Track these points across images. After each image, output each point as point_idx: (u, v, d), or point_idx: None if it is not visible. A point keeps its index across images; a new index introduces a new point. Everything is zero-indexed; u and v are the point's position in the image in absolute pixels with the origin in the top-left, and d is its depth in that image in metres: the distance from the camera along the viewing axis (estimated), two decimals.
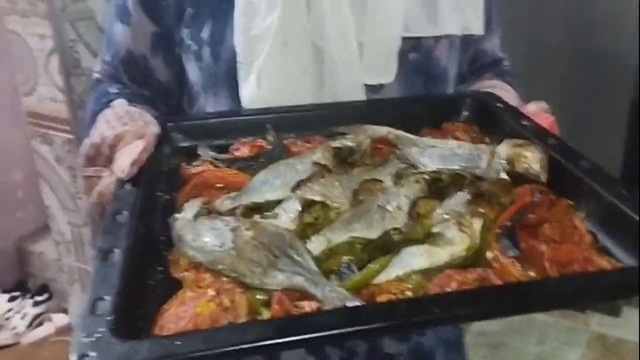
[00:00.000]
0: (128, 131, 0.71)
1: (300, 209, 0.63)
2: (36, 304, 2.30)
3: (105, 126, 0.73)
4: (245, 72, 0.82)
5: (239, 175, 0.74)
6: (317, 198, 0.66)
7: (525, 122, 0.79)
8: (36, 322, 2.25)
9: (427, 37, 0.86)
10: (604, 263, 0.55)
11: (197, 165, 0.78)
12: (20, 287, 2.40)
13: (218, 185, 0.73)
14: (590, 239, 0.59)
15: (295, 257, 0.56)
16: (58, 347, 2.11)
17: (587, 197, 0.64)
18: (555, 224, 0.60)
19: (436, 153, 0.77)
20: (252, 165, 0.76)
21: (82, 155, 0.72)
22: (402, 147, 0.80)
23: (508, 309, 0.48)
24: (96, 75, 0.93)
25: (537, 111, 0.81)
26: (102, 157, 0.71)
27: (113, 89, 0.87)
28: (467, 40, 0.91)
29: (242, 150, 0.81)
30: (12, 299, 2.30)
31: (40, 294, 2.34)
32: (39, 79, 1.37)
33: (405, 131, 0.84)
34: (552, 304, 0.50)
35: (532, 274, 0.54)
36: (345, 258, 0.59)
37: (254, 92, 0.82)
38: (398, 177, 0.73)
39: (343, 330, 0.45)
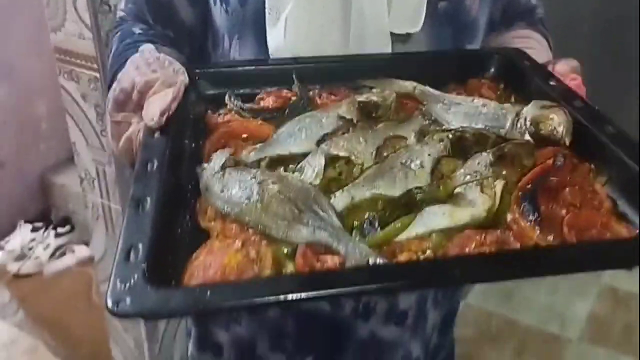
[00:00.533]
0: (158, 78, 0.72)
1: (324, 163, 0.65)
2: (58, 235, 2.36)
3: (134, 72, 0.74)
4: (272, 19, 0.82)
5: (265, 126, 0.75)
6: (342, 153, 0.67)
7: (552, 83, 0.79)
8: (58, 252, 2.32)
9: None
10: (622, 230, 0.56)
11: (224, 114, 0.79)
12: (43, 218, 2.45)
13: (244, 135, 0.75)
14: (610, 205, 0.60)
15: (320, 212, 0.58)
16: (79, 277, 2.18)
17: (609, 163, 0.65)
18: (575, 189, 0.61)
19: (461, 111, 0.77)
20: (278, 116, 0.77)
21: (111, 99, 0.73)
22: (428, 103, 0.80)
23: (523, 273, 0.49)
24: (121, 13, 0.92)
25: (566, 71, 0.80)
26: (131, 103, 0.72)
27: (137, 29, 0.87)
28: None
29: (268, 100, 0.82)
30: (35, 229, 2.35)
31: (62, 226, 2.40)
32: (67, 15, 1.37)
33: (432, 86, 0.85)
34: (568, 269, 0.51)
35: (550, 238, 0.55)
36: (368, 214, 0.60)
37: (281, 40, 0.82)
38: (422, 134, 0.74)
39: (365, 287, 0.47)
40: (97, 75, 1.38)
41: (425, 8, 0.83)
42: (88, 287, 2.09)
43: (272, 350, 0.96)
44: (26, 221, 2.37)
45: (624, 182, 0.63)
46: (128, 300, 0.45)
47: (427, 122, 0.77)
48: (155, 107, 0.68)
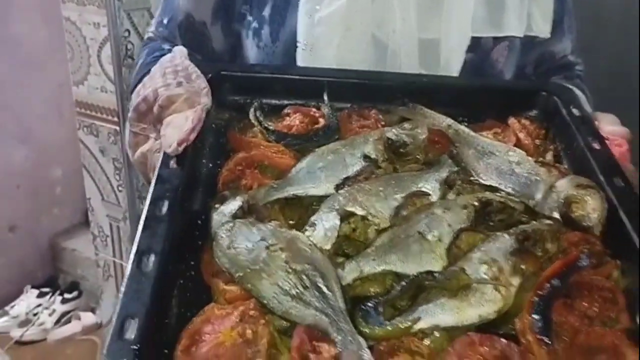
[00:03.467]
0: (182, 95, 0.69)
1: (338, 226, 0.62)
2: (65, 301, 2.28)
3: (160, 80, 0.70)
4: (305, 55, 0.80)
5: (286, 156, 0.72)
6: (359, 212, 0.64)
7: (597, 146, 0.73)
8: (64, 319, 2.24)
9: (486, 38, 0.83)
10: (631, 356, 0.54)
11: (246, 131, 0.76)
12: (51, 283, 2.38)
13: (264, 162, 0.72)
14: (627, 319, 0.58)
15: (325, 290, 0.56)
16: (84, 345, 2.10)
17: (634, 264, 0.61)
18: (593, 297, 0.58)
19: (493, 164, 0.73)
20: (303, 143, 0.74)
21: (133, 107, 0.71)
22: (460, 146, 0.76)
23: None
24: (149, 34, 0.92)
25: (613, 133, 0.75)
26: (151, 115, 0.70)
27: (166, 45, 0.86)
28: (531, 42, 0.86)
29: (294, 118, 0.78)
30: (41, 295, 2.28)
31: (69, 292, 2.32)
32: (90, 69, 1.34)
33: (469, 117, 0.80)
34: None
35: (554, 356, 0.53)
36: (375, 296, 0.58)
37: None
38: (448, 185, 0.71)
39: None
40: (117, 128, 1.37)
41: (460, 60, 0.82)
42: (92, 355, 2.04)
43: None
44: (33, 286, 2.30)
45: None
46: None
47: (455, 168, 0.73)
48: (174, 135, 0.65)
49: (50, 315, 2.22)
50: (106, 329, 1.68)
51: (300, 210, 0.67)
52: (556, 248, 0.63)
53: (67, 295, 2.30)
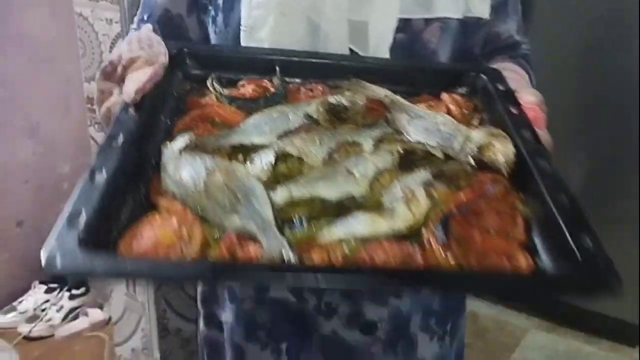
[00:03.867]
0: (141, 56, 0.78)
1: (273, 162, 0.70)
2: (72, 297, 2.30)
3: (126, 46, 0.80)
4: (247, 37, 0.90)
5: (237, 114, 0.81)
6: (294, 152, 0.72)
7: (514, 110, 0.83)
8: (71, 315, 2.26)
9: (417, 19, 0.90)
10: (523, 261, 0.61)
11: (204, 97, 0.85)
12: (59, 279, 2.37)
13: (215, 119, 0.81)
14: (524, 237, 0.65)
15: (255, 205, 0.64)
16: (92, 342, 2.13)
17: (536, 198, 0.69)
18: (495, 216, 0.66)
19: (422, 125, 0.82)
20: (253, 105, 0.83)
21: (101, 69, 0.80)
22: (394, 112, 0.85)
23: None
24: (133, 27, 1.03)
25: (528, 101, 0.84)
26: (115, 75, 0.79)
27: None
28: (476, 24, 0.94)
29: (248, 87, 0.88)
30: (49, 291, 2.29)
31: (77, 288, 2.33)
32: (103, 65, 1.44)
33: (405, 94, 0.89)
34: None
35: (452, 262, 0.60)
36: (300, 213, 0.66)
37: None
38: (380, 141, 0.79)
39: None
40: None
41: (389, 42, 0.89)
42: (100, 352, 2.07)
43: (249, 337, 1.05)
44: (41, 282, 2.31)
45: (544, 219, 0.67)
46: (58, 258, 0.52)
47: (389, 130, 0.82)
48: (132, 85, 0.74)
49: (58, 311, 2.24)
50: (117, 326, 1.70)
51: (244, 156, 0.75)
52: (467, 186, 0.71)
53: (75, 292, 2.30)
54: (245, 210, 0.63)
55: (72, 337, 2.15)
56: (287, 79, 0.89)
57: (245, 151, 0.76)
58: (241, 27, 0.90)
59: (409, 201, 0.66)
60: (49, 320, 2.21)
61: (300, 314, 1.00)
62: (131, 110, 0.74)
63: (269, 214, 0.64)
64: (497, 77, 0.91)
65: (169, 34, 0.97)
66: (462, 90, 0.92)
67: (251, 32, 0.89)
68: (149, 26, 0.85)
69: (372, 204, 0.67)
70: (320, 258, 0.59)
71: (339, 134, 0.78)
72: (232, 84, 0.89)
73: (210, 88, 0.86)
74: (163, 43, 0.82)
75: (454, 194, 0.70)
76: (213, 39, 0.97)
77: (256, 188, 0.66)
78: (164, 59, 0.79)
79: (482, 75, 0.91)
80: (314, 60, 0.91)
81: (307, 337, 1.01)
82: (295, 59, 0.91)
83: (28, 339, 2.13)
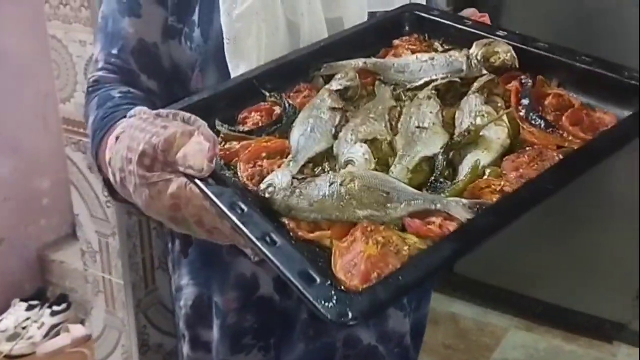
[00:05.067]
0: (176, 132, 0.75)
1: (368, 148, 0.75)
2: (54, 313, 2.27)
3: (143, 134, 0.75)
4: (231, 48, 0.92)
5: (277, 141, 0.83)
6: (370, 137, 0.77)
7: (467, 22, 0.95)
8: (53, 332, 2.23)
9: (380, 12, 1.00)
10: (604, 115, 0.75)
11: (224, 144, 0.84)
12: (39, 295, 2.34)
13: (263, 154, 0.81)
14: (576, 100, 0.79)
15: (399, 187, 0.69)
16: (74, 358, 2.11)
17: (553, 69, 0.83)
18: (550, 98, 0.79)
19: (415, 69, 0.91)
20: (279, 127, 0.85)
21: (136, 165, 0.75)
22: (382, 72, 0.93)
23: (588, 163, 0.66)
24: (96, 75, 0.96)
25: (470, 13, 0.98)
26: (158, 162, 0.75)
27: (116, 93, 0.90)
28: None
29: (254, 116, 0.88)
30: (30, 308, 2.26)
31: (58, 304, 2.30)
32: (77, 86, 1.30)
33: (366, 56, 0.97)
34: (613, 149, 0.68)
35: (565, 135, 0.72)
36: (423, 176, 0.72)
37: (240, 65, 0.91)
38: (398, 99, 0.87)
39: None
40: None
41: None
42: None
43: (233, 349, 1.08)
44: (21, 299, 2.28)
45: (571, 78, 0.82)
46: (349, 312, 0.54)
47: (391, 87, 0.90)
48: (199, 158, 0.72)
49: (39, 328, 2.22)
50: (98, 342, 1.61)
51: (321, 167, 0.78)
52: (502, 89, 0.83)
53: (55, 308, 2.29)
54: (399, 195, 0.68)
55: (54, 353, 2.16)
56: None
57: (316, 164, 0.78)
58: (224, 40, 0.90)
59: (494, 119, 0.76)
60: (30, 337, 2.20)
61: (284, 308, 1.07)
62: (211, 181, 0.72)
63: (414, 190, 0.69)
64: (424, 7, 1.03)
65: (145, 65, 0.96)
66: (406, 29, 1.02)
67: (235, 44, 0.91)
68: (143, 108, 0.81)
69: (472, 136, 0.75)
70: (493, 194, 0.67)
71: (372, 107, 0.85)
72: (229, 123, 0.89)
73: (227, 132, 0.85)
74: (178, 111, 0.79)
75: (503, 101, 0.81)
76: (185, 56, 0.96)
77: (385, 176, 0.71)
78: (200, 121, 0.77)
79: (416, 12, 1.02)
80: (281, 66, 0.94)
81: (292, 327, 1.09)
82: (267, 69, 0.93)
83: (9, 357, 2.12)
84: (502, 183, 0.67)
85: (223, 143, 0.84)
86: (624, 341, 2.42)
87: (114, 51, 0.96)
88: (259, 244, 0.62)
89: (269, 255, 0.61)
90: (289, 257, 0.60)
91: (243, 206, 0.68)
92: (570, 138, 0.72)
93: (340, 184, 0.69)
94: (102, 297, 1.53)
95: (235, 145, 0.83)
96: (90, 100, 0.94)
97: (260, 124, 0.87)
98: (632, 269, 2.24)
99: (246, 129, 0.86)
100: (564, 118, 0.75)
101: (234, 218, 0.66)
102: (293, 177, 0.74)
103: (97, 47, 0.98)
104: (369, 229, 0.65)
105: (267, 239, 0.63)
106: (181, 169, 0.74)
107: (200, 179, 0.72)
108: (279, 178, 0.73)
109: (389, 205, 0.67)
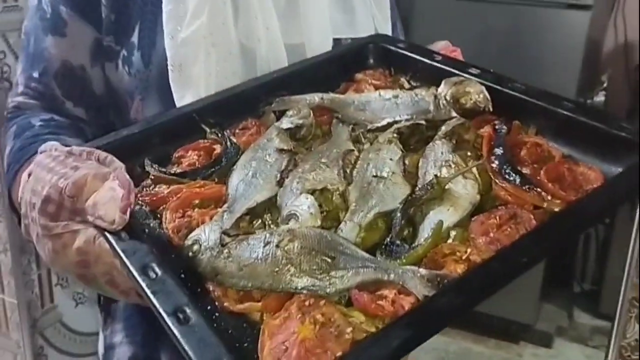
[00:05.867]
0: (87, 175, 0.64)
1: (315, 202, 0.64)
2: None
3: (50, 176, 0.64)
4: (176, 76, 0.80)
5: (212, 186, 0.71)
6: (319, 187, 0.66)
7: (437, 57, 0.85)
8: None
9: (345, 39, 0.91)
10: (588, 171, 0.65)
11: (153, 188, 0.73)
12: None
13: (195, 201, 0.70)
14: (557, 152, 0.69)
15: (347, 251, 0.58)
16: None
17: (530, 115, 0.73)
18: (527, 148, 0.69)
19: (377, 107, 0.81)
20: (217, 170, 0.73)
21: (39, 213, 0.63)
22: (341, 110, 0.82)
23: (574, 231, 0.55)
24: (16, 100, 0.84)
25: (443, 47, 0.88)
26: (65, 210, 0.63)
27: (36, 121, 0.79)
28: None
29: (189, 156, 0.77)
30: None
31: None
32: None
33: (324, 90, 0.87)
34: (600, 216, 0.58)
35: (545, 195, 0.62)
36: (377, 240, 0.61)
37: (187, 95, 0.80)
38: (357, 142, 0.76)
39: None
40: None
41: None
42: None
43: None
44: None
45: (552, 126, 0.72)
46: None
47: (350, 127, 0.79)
48: (111, 208, 0.60)
49: None
50: None
51: (262, 220, 0.67)
52: (473, 136, 0.73)
53: None
54: (346, 262, 0.57)
55: None
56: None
57: (257, 215, 0.67)
58: (169, 67, 0.79)
59: (463, 172, 0.66)
60: None
61: None
62: (125, 235, 0.60)
63: (364, 254, 0.58)
64: (395, 39, 0.93)
65: (70, 90, 0.84)
66: (369, 63, 0.92)
67: (181, 71, 0.79)
68: (54, 144, 0.69)
69: (437, 191, 0.64)
70: (458, 263, 0.56)
71: (324, 151, 0.74)
72: (162, 162, 0.77)
73: (157, 174, 0.73)
74: (93, 149, 0.68)
75: (473, 149, 0.71)
76: (124, 83, 0.84)
77: (331, 236, 0.59)
78: (117, 163, 0.65)
79: (381, 43, 0.92)
80: (228, 98, 0.83)
81: None
82: (210, 102, 0.82)
83: None
84: (469, 251, 0.57)
85: (152, 186, 0.73)
86: (529, 341, 2.53)
87: (35, 74, 0.84)
88: (168, 320, 0.50)
89: (178, 336, 0.49)
90: (202, 340, 0.49)
91: (157, 270, 0.56)
92: (549, 197, 0.61)
93: (277, 245, 0.58)
94: None
95: (165, 189, 0.71)
96: (8, 129, 0.82)
97: (197, 165, 0.75)
98: (536, 271, 2.26)
99: (179, 170, 0.74)
100: (542, 173, 0.64)
101: (143, 285, 0.54)
102: (224, 233, 0.62)
103: (19, 69, 0.87)
104: (306, 303, 0.54)
105: (180, 314, 0.51)
106: (90, 219, 0.62)
107: (112, 233, 0.61)
108: (205, 234, 0.61)
109: (333, 273, 0.56)
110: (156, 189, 0.72)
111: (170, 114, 0.81)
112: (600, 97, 2.08)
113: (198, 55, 0.79)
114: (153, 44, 0.81)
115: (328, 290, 0.55)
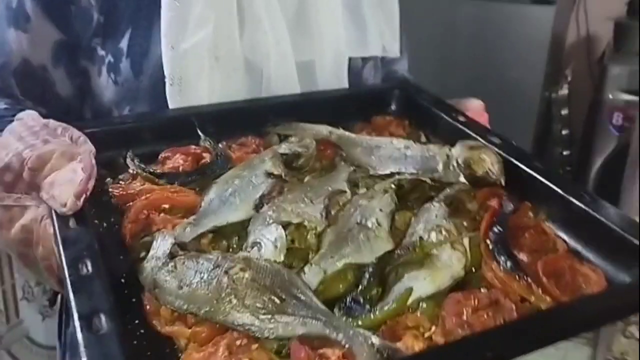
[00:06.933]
0: (54, 150, 0.59)
1: (285, 235, 0.58)
2: None
3: (19, 144, 0.60)
4: (175, 90, 0.74)
5: (187, 194, 0.66)
6: (295, 220, 0.61)
7: (461, 118, 0.80)
8: None
9: (355, 58, 0.86)
10: (589, 272, 0.58)
11: (129, 182, 0.68)
12: None
13: (164, 206, 0.65)
14: (562, 244, 0.62)
15: (301, 296, 0.52)
16: None
17: (545, 199, 0.67)
18: (532, 233, 0.62)
19: (385, 154, 0.75)
20: (197, 179, 0.69)
21: None
22: (346, 148, 0.77)
23: (556, 336, 0.48)
24: None
25: (478, 106, 0.83)
26: (22, 182, 0.59)
27: (1, 104, 0.73)
28: (383, 62, 0.92)
29: (175, 159, 0.73)
30: None
31: None
32: None
33: (337, 126, 0.82)
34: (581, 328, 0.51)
35: (535, 289, 0.55)
36: (340, 291, 0.55)
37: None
38: (354, 184, 0.71)
39: None
40: None
41: (343, 81, 0.84)
42: None
43: None
44: None
45: (564, 216, 0.65)
46: None
47: (352, 168, 0.73)
48: (66, 190, 0.56)
49: None
50: None
51: (227, 241, 0.62)
52: (476, 206, 0.67)
53: None
54: (295, 308, 0.50)
55: None
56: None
57: (225, 236, 0.62)
58: (167, 80, 0.73)
59: (452, 241, 0.59)
60: None
61: None
62: (72, 223, 0.56)
63: (321, 305, 0.52)
64: (420, 90, 0.88)
65: (30, 90, 0.77)
66: (390, 109, 0.87)
67: (181, 86, 0.73)
68: (32, 113, 0.65)
69: (417, 255, 0.58)
70: (417, 340, 0.49)
71: (315, 186, 0.68)
72: (149, 159, 0.73)
73: (135, 168, 0.69)
74: (71, 127, 0.63)
75: (470, 219, 0.64)
76: (110, 92, 0.77)
77: (289, 276, 0.53)
78: (88, 146, 0.61)
79: (405, 90, 0.88)
80: (234, 110, 0.79)
81: None
82: (214, 111, 0.78)
83: None
84: (433, 329, 0.50)
85: (128, 181, 0.68)
86: None
87: None
88: (77, 323, 0.45)
89: (81, 343, 0.43)
90: (106, 356, 0.43)
91: (90, 267, 0.50)
92: (539, 292, 0.54)
93: (226, 272, 0.52)
94: None
95: (138, 187, 0.67)
96: None
97: (180, 170, 0.71)
98: None
99: (158, 171, 0.69)
100: (540, 263, 0.58)
101: (67, 278, 0.49)
102: (180, 246, 0.57)
103: None
104: (238, 342, 0.48)
105: (95, 320, 0.45)
106: (44, 196, 0.57)
107: (60, 217, 0.56)
108: (157, 242, 0.56)
109: (277, 317, 0.50)
110: (131, 184, 0.68)
111: (170, 112, 0.76)
112: (564, 91, 2.10)
113: (202, 69, 0.74)
114: (145, 52, 0.74)
115: (266, 333, 0.49)
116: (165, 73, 0.72)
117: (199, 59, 0.73)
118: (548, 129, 2.24)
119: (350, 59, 0.85)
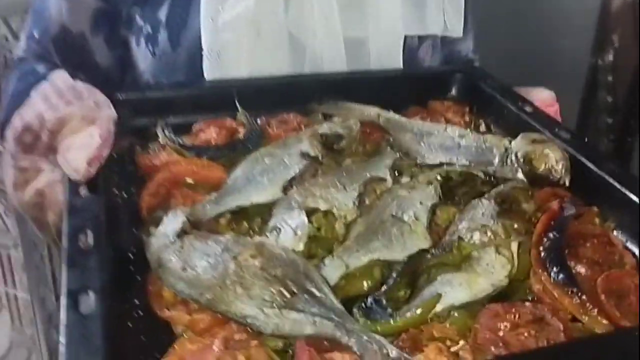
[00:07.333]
0: (74, 114, 0.56)
1: (307, 222, 0.52)
2: None
3: (42, 105, 0.58)
4: (213, 65, 0.70)
5: (214, 168, 0.62)
6: (322, 207, 0.55)
7: (528, 109, 0.71)
8: None
9: (412, 37, 0.80)
10: None
11: (157, 153, 0.64)
12: None
13: (189, 180, 0.61)
14: (631, 259, 0.54)
15: (316, 292, 0.46)
16: None
17: (617, 205, 0.58)
18: (595, 243, 0.54)
19: (436, 142, 0.68)
20: (227, 153, 0.64)
21: (13, 139, 0.57)
22: (395, 133, 0.70)
23: None
24: (19, 53, 0.76)
25: (548, 97, 0.74)
26: (40, 144, 0.57)
27: (40, 67, 0.71)
28: (444, 41, 0.85)
29: (209, 131, 0.68)
30: None
31: None
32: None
33: (389, 108, 0.75)
34: None
35: (590, 308, 0.47)
36: (364, 288, 0.49)
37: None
38: (397, 171, 0.64)
39: None
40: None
41: (398, 60, 0.78)
42: None
43: None
44: None
45: (637, 227, 0.56)
46: None
47: (398, 155, 0.67)
48: (80, 155, 0.53)
49: None
50: None
51: (248, 223, 0.56)
52: (533, 207, 0.59)
53: None
54: (306, 305, 0.45)
55: None
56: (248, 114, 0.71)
57: (247, 216, 0.57)
58: (204, 54, 0.69)
59: (497, 245, 0.52)
60: None
61: None
62: (84, 191, 0.52)
63: (336, 303, 0.46)
64: (485, 75, 0.80)
65: (69, 58, 0.75)
66: (450, 94, 0.80)
67: (219, 59, 0.69)
68: (63, 73, 0.62)
69: (453, 260, 0.51)
70: (440, 354, 0.42)
71: (352, 171, 0.62)
72: (183, 129, 0.69)
73: (165, 139, 0.65)
74: (97, 90, 0.60)
75: (524, 221, 0.56)
76: (147, 63, 0.75)
77: (306, 268, 0.48)
78: (110, 111, 0.57)
79: (469, 75, 0.80)
80: (277, 86, 0.74)
81: None
82: (255, 87, 0.73)
83: None
84: (462, 344, 0.43)
85: (158, 151, 0.65)
86: None
87: (36, 34, 0.75)
88: (63, 298, 0.41)
89: (62, 320, 0.39)
90: (85, 338, 0.39)
91: (90, 239, 0.47)
92: (594, 312, 0.46)
93: (234, 257, 0.47)
94: (7, 312, 1.35)
95: (165, 157, 0.63)
96: (9, 76, 0.74)
97: (212, 143, 0.66)
98: None
99: (188, 143, 0.65)
100: (600, 279, 0.49)
101: (65, 247, 0.45)
102: (191, 223, 0.52)
103: (26, 22, 0.78)
104: (236, 337, 0.43)
105: (83, 297, 0.41)
106: (60, 160, 0.54)
107: (73, 183, 0.53)
108: (168, 219, 0.52)
109: (285, 312, 0.44)
110: (158, 154, 0.64)
111: (207, 83, 0.72)
112: (610, 57, 1.89)
113: (241, 42, 0.69)
114: (184, 24, 0.71)
115: (270, 329, 0.44)
116: (204, 47, 0.69)
117: (239, 33, 0.69)
118: (594, 96, 2.11)
119: (405, 37, 0.78)
